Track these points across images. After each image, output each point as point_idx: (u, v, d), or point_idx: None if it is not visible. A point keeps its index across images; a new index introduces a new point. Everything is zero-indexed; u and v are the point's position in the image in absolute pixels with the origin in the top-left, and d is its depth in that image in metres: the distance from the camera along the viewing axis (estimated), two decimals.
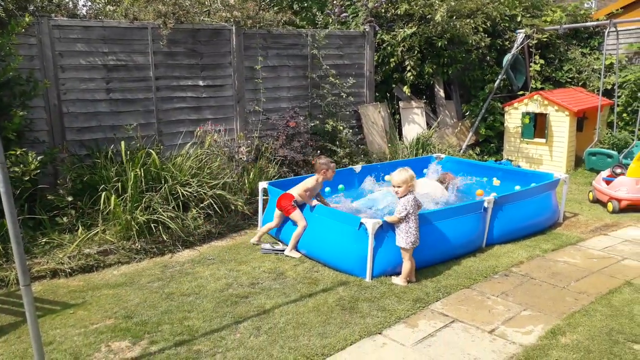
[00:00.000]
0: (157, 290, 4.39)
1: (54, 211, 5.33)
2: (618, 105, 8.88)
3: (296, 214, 5.20)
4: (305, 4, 9.23)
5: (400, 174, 4.43)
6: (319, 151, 7.42)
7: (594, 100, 8.72)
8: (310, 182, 5.30)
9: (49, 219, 5.23)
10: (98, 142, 6.05)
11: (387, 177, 7.10)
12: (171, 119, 6.63)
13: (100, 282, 4.60)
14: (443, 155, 7.65)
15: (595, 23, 9.52)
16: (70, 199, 5.33)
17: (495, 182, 6.83)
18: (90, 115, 6.05)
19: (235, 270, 4.76)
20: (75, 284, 4.57)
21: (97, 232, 5.15)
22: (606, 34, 8.36)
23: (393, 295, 4.17)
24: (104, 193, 5.28)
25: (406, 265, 4.40)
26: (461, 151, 9.13)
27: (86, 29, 5.89)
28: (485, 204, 5.15)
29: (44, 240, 5.01)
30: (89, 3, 7.04)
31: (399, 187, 4.42)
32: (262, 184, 5.89)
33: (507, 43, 9.63)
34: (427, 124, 9.23)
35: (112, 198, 5.18)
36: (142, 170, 5.47)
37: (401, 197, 4.43)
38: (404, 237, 4.38)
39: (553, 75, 9.97)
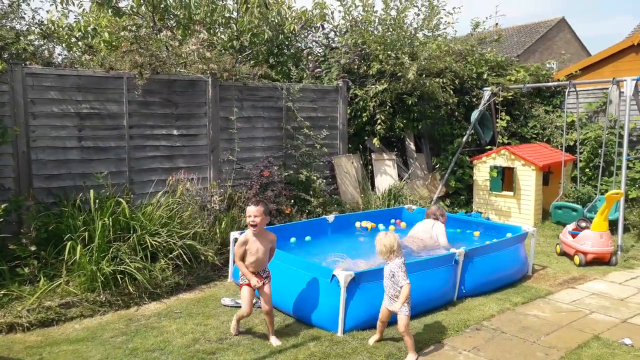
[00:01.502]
0: (120, 345, 4.21)
1: (16, 261, 5.12)
2: (580, 161, 9.25)
3: (242, 294, 4.34)
4: (281, 59, 9.50)
5: (379, 244, 4.13)
6: (292, 200, 7.43)
7: (558, 155, 9.07)
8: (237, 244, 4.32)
9: (9, 270, 5.01)
10: (67, 190, 5.93)
11: (357, 224, 7.16)
12: (143, 168, 6.58)
13: (60, 337, 4.38)
14: (414, 207, 7.76)
15: (556, 83, 10.05)
16: (33, 248, 5.14)
17: (476, 233, 6.90)
18: (60, 162, 5.96)
19: (203, 325, 4.62)
20: (33, 339, 4.35)
21: (60, 283, 4.96)
22: (567, 93, 8.81)
23: (365, 351, 4.10)
24: (69, 243, 5.12)
25: (411, 338, 4.03)
26: (432, 203, 9.27)
27: (60, 77, 5.90)
28: (457, 257, 5.20)
29: (2, 292, 4.78)
30: (65, 52, 7.09)
31: (384, 255, 4.14)
32: (234, 234, 5.82)
33: (474, 100, 10.04)
34: (399, 175, 9.40)
35: (78, 248, 5.03)
36: (110, 220, 5.35)
37: (391, 262, 4.10)
38: (407, 303, 4.04)
39: (519, 131, 10.38)
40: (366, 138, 9.39)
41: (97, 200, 5.55)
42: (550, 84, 10.07)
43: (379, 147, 9.25)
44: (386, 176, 9.22)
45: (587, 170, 9.37)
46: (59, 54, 7.40)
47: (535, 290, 5.62)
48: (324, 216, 7.10)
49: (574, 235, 6.82)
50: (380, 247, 4.12)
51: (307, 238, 6.57)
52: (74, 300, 4.87)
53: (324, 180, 8.06)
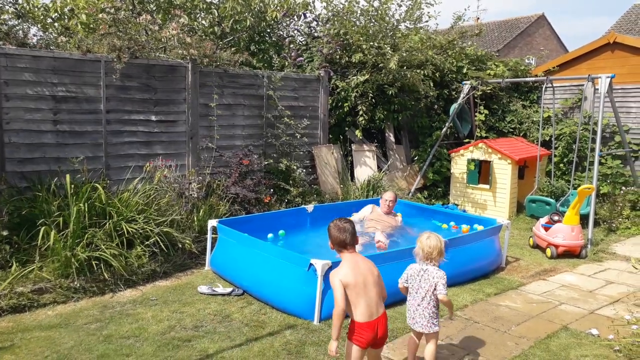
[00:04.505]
0: (95, 332, 4.18)
1: None
2: (555, 156, 9.44)
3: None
4: (263, 47, 9.42)
5: (418, 245, 3.66)
6: (271, 190, 7.43)
7: (534, 150, 9.24)
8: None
9: None
10: (41, 175, 5.81)
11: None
12: (120, 153, 6.49)
13: (32, 324, 4.32)
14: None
15: (534, 79, 10.21)
16: (5, 233, 5.04)
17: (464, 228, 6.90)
18: (34, 146, 5.83)
19: (179, 312, 4.61)
20: (4, 325, 4.28)
21: (33, 269, 4.88)
22: (544, 89, 8.96)
23: (341, 340, 4.12)
24: (43, 228, 5.03)
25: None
26: (410, 194, 9.37)
27: (35, 59, 5.75)
28: None
29: None
30: (41, 33, 6.90)
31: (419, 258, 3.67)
32: (212, 222, 5.80)
33: (454, 93, 10.14)
34: (378, 166, 9.46)
35: (52, 233, 4.94)
36: (86, 205, 5.27)
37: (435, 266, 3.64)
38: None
39: (496, 125, 10.54)
40: (347, 129, 9.41)
41: (72, 185, 5.45)
42: (528, 79, 10.23)
43: (360, 138, 9.29)
44: (366, 167, 9.27)
45: (561, 165, 9.58)
46: (34, 35, 7.18)
47: (508, 282, 5.75)
48: (303, 206, 7.11)
49: (546, 229, 6.98)
50: (417, 249, 3.67)
51: (281, 232, 6.42)
52: (47, 286, 4.81)
53: (304, 170, 8.07)
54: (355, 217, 6.93)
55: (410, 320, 3.67)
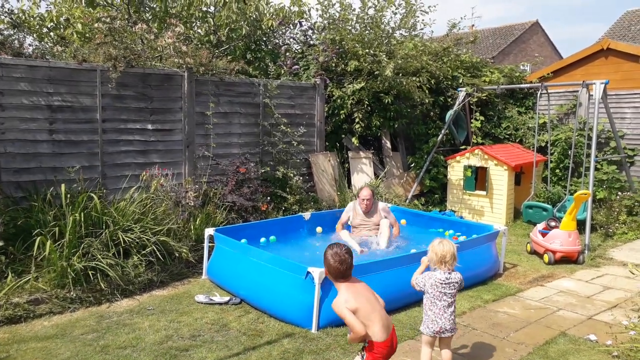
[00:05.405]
0: (91, 342, 4.14)
1: None
2: (551, 162, 9.47)
3: None
4: (259, 55, 9.45)
5: (431, 251, 3.66)
6: (268, 197, 7.42)
7: (530, 156, 9.27)
8: None
9: None
10: (36, 184, 5.80)
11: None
12: (116, 162, 6.48)
13: (28, 334, 4.29)
14: (389, 205, 7.82)
15: (529, 85, 10.26)
16: (1, 243, 5.01)
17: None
18: (30, 156, 5.82)
19: (176, 322, 4.58)
20: (0, 336, 4.24)
21: (29, 279, 4.85)
22: (539, 95, 9.00)
23: (339, 347, 4.13)
24: (39, 238, 5.00)
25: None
26: (407, 201, 9.38)
27: (31, 69, 5.75)
28: None
29: None
30: (36, 43, 6.92)
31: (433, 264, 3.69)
32: (209, 231, 5.79)
33: (449, 100, 10.18)
34: (375, 173, 9.47)
35: (48, 243, 4.92)
36: (82, 215, 5.25)
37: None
38: None
39: (492, 131, 10.57)
40: (343, 136, 9.43)
41: (68, 195, 5.43)
42: (523, 85, 10.29)
43: (356, 145, 9.31)
44: (362, 174, 9.28)
45: (557, 170, 9.60)
46: (30, 45, 7.21)
47: (506, 288, 5.74)
48: (300, 213, 7.10)
49: (543, 234, 6.98)
50: (431, 254, 3.66)
51: (272, 238, 6.42)
52: (43, 296, 4.78)
53: (301, 178, 8.06)
54: (342, 220, 6.89)
55: (431, 329, 3.60)
